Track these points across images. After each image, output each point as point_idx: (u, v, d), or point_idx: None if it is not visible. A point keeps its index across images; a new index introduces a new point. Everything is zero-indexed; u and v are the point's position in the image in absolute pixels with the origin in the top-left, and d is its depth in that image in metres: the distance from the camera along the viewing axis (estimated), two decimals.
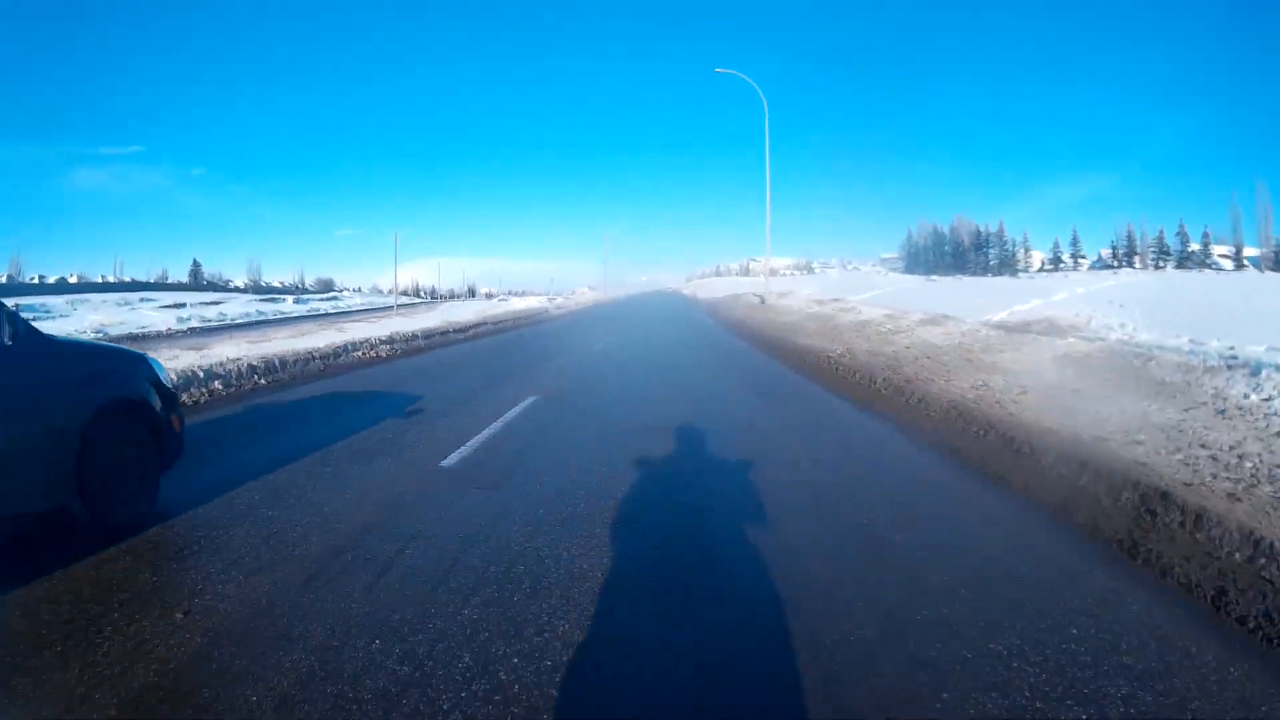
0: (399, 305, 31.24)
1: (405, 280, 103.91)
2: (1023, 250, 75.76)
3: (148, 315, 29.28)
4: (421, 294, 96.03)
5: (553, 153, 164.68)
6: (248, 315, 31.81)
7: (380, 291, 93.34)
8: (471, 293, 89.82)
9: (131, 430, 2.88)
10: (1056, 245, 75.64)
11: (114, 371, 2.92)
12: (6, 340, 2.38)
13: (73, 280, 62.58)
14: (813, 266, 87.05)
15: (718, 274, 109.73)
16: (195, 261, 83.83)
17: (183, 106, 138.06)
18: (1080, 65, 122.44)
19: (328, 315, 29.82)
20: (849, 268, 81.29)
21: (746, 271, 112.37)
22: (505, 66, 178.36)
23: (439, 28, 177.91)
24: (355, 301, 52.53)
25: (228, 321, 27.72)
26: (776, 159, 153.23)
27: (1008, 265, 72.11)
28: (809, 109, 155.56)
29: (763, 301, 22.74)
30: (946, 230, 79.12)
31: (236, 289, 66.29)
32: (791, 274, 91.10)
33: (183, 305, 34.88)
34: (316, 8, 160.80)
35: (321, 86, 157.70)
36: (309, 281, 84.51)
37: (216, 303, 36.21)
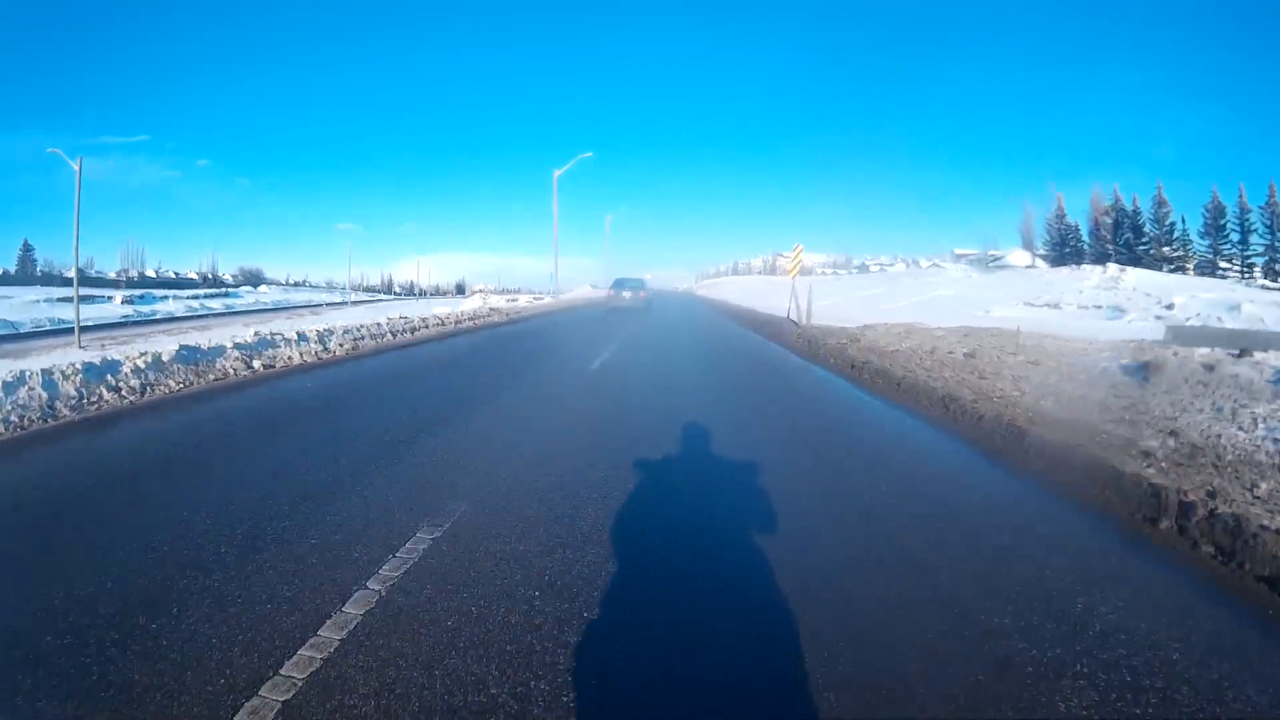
0: (236, 310, 15.82)
1: (405, 276, 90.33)
2: None
3: None
4: (398, 290, 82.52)
5: (555, 143, 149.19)
6: None
7: (368, 288, 79.35)
8: (460, 290, 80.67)
9: (646, 300, 23.42)
10: None
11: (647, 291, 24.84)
12: (645, 291, 23.99)
13: None
14: (866, 265, 70.86)
15: (734, 272, 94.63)
16: (25, 243, 62.38)
17: (179, 97, 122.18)
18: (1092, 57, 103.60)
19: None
20: (925, 265, 63.95)
21: (773, 269, 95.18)
22: (505, 56, 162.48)
23: (449, 14, 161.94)
24: (249, 301, 39.24)
25: None
26: (809, 149, 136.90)
27: None
28: (849, 95, 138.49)
29: None
30: (1130, 206, 46.93)
31: (79, 279, 51.12)
32: (833, 274, 75.11)
33: None
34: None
35: (316, 77, 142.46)
36: (229, 273, 69.51)
37: None
